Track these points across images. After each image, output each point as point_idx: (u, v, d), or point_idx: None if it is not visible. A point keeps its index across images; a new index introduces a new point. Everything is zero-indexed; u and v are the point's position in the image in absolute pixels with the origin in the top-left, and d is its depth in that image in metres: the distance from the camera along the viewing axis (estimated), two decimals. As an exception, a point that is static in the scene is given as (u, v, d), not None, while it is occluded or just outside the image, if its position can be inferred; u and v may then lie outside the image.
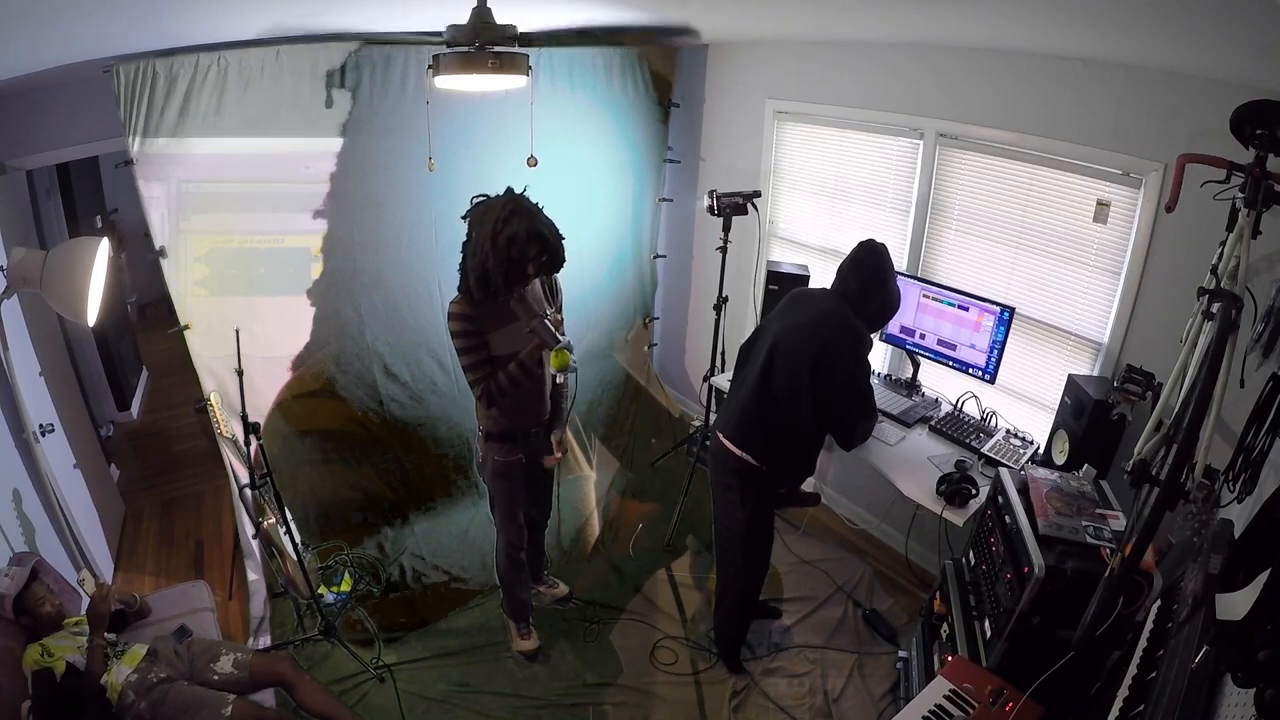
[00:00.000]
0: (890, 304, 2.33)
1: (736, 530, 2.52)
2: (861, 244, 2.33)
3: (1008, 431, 2.76)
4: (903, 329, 3.03)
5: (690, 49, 3.88)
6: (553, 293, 2.50)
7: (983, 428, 2.80)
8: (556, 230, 2.28)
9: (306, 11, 2.31)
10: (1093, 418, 2.28)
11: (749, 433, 2.37)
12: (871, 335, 2.31)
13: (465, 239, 2.28)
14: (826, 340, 2.23)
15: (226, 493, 3.36)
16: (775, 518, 2.68)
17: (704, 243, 4.08)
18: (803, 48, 3.36)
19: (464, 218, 2.28)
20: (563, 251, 2.31)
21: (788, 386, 2.27)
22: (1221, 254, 1.78)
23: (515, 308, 2.27)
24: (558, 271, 2.38)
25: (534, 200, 2.28)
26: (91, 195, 4.80)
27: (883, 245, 2.33)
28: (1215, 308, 1.54)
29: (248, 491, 2.81)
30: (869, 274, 2.27)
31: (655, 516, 3.61)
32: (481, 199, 2.28)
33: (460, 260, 2.30)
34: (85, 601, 2.11)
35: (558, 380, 2.42)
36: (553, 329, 2.27)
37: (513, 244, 2.17)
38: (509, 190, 2.27)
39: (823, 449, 2.48)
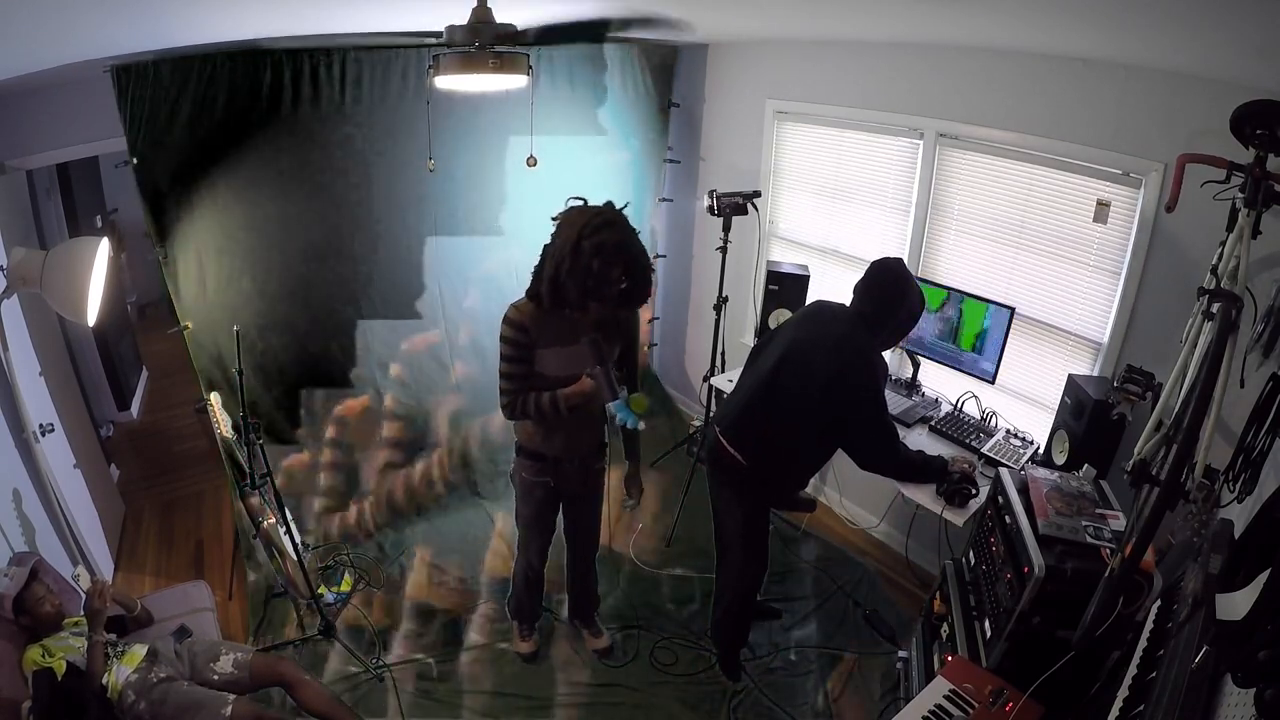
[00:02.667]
0: (908, 321, 2.26)
1: (734, 529, 2.51)
2: (874, 264, 2.27)
3: (1008, 431, 2.76)
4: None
5: (690, 49, 3.88)
6: (626, 331, 2.30)
7: (983, 428, 2.80)
8: (647, 258, 2.12)
9: (305, 12, 2.30)
10: (1093, 418, 2.28)
11: (744, 433, 2.36)
12: (894, 346, 2.28)
13: (549, 241, 2.10)
14: (843, 364, 2.18)
15: (226, 493, 3.36)
16: (774, 517, 2.67)
17: (704, 243, 4.08)
18: (803, 48, 3.36)
19: (554, 219, 2.10)
20: (648, 283, 2.14)
21: (792, 397, 2.25)
22: (1221, 254, 1.79)
23: (588, 348, 2.05)
24: (640, 305, 2.21)
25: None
26: (91, 195, 4.80)
27: (896, 261, 2.27)
28: (1215, 308, 1.54)
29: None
30: (883, 295, 2.22)
31: (655, 517, 3.61)
32: (578, 200, 2.10)
33: (538, 263, 2.12)
34: (82, 598, 2.11)
35: (629, 426, 2.09)
36: (613, 381, 2.04)
37: (599, 253, 1.97)
38: (609, 203, 2.09)
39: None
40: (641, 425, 2.09)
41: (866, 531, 3.55)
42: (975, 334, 2.80)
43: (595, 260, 1.97)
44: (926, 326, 2.93)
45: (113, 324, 4.47)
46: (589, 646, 2.85)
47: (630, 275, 2.06)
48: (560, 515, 2.59)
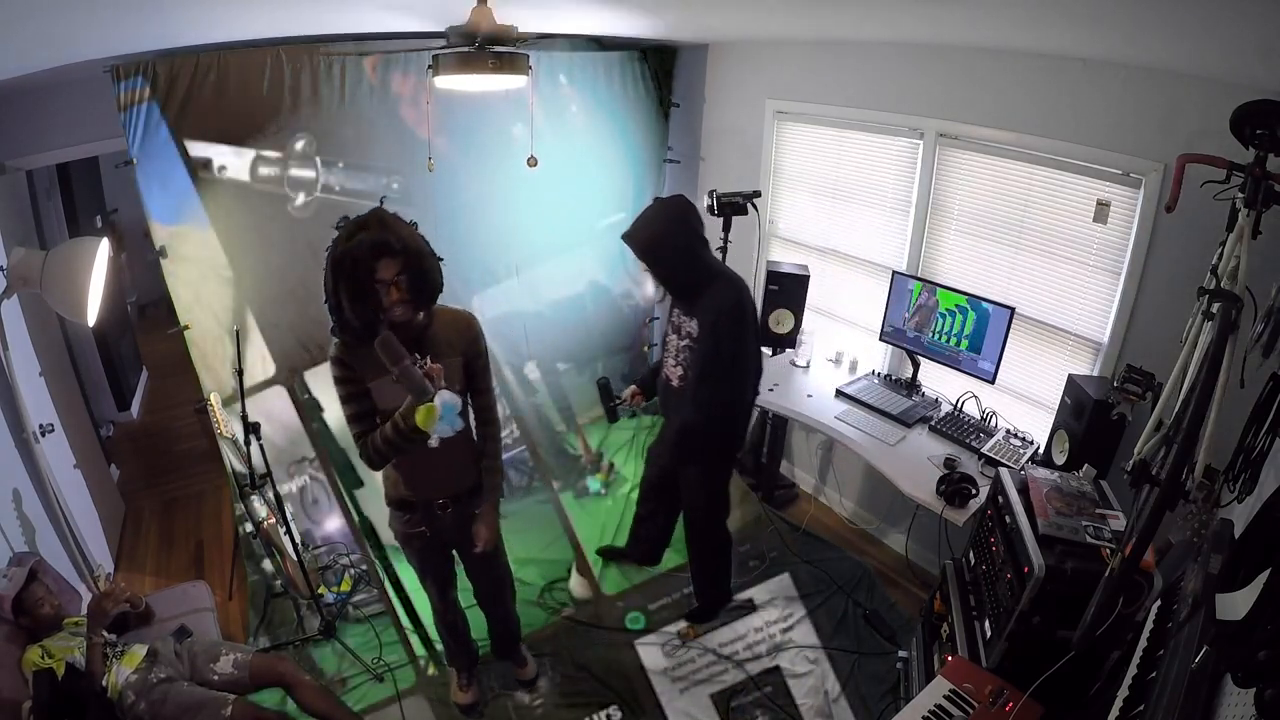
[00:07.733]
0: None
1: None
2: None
3: (1008, 431, 2.76)
4: (898, 329, 3.04)
5: (690, 49, 3.88)
6: (466, 345, 1.99)
7: (983, 428, 2.80)
8: (420, 246, 1.82)
9: (306, 12, 2.30)
10: (1093, 418, 2.28)
11: None
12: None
13: None
14: None
15: (226, 493, 3.36)
16: (773, 516, 2.68)
17: (704, 243, 4.07)
18: (803, 48, 3.36)
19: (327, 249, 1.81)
20: (429, 273, 1.84)
21: None
22: (1221, 254, 1.78)
23: (379, 350, 1.72)
24: (426, 301, 1.87)
25: (409, 218, 1.86)
26: (91, 195, 4.80)
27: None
28: (1215, 308, 1.54)
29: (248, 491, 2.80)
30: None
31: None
32: (343, 221, 1.82)
33: None
34: (86, 599, 2.10)
35: (431, 442, 1.93)
36: (420, 376, 1.75)
37: (357, 263, 1.72)
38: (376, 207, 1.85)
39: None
40: (434, 440, 1.94)
41: (866, 531, 3.55)
42: (963, 332, 2.82)
43: (358, 268, 1.72)
44: (907, 316, 2.97)
45: (113, 324, 4.47)
46: (516, 677, 2.70)
47: (405, 269, 1.77)
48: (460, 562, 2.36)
